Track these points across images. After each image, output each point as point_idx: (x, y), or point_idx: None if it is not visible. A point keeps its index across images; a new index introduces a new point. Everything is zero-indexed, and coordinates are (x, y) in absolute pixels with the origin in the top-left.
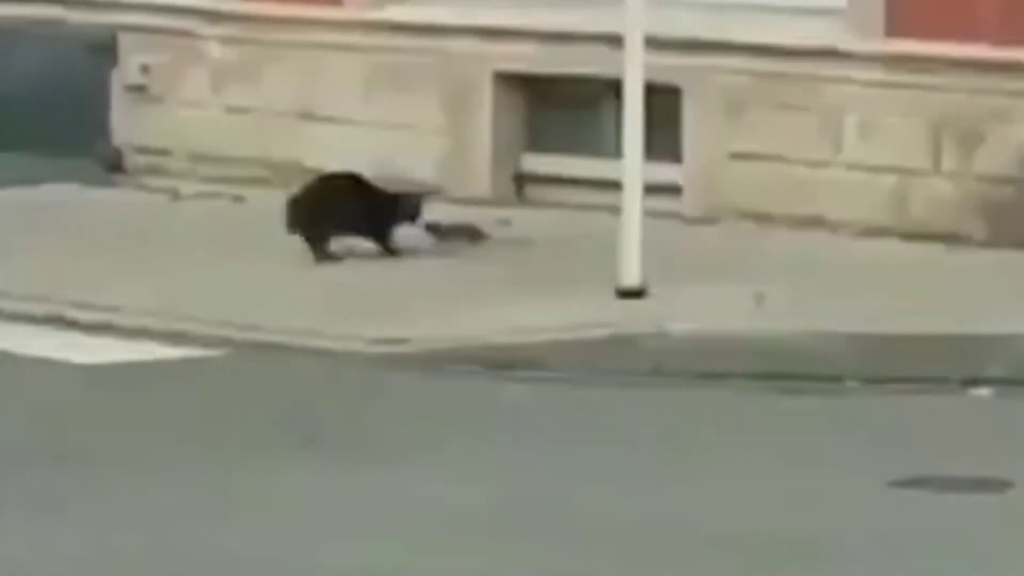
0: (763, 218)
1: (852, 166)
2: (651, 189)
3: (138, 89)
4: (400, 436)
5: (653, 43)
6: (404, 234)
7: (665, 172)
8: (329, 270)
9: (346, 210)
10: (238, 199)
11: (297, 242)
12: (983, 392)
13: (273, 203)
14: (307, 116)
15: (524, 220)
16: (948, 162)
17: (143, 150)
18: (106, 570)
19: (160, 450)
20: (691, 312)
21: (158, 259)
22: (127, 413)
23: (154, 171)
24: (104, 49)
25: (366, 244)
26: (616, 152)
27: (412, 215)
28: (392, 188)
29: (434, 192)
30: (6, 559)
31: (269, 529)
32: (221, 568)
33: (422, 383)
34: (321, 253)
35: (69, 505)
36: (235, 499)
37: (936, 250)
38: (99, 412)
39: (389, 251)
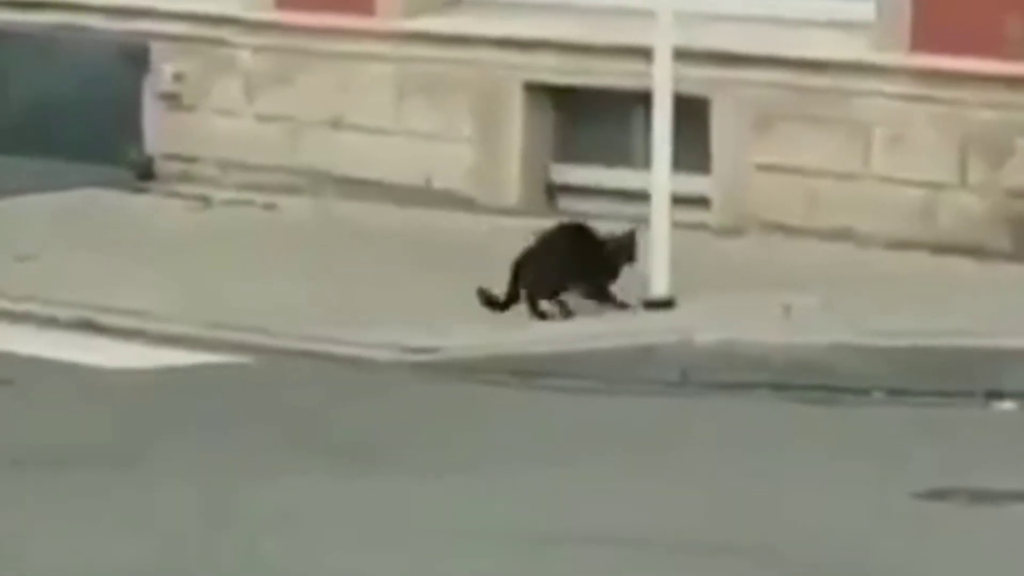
0: (791, 230)
1: (880, 179)
2: (679, 200)
3: (171, 97)
4: (428, 446)
5: (682, 55)
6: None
7: (693, 184)
8: (361, 279)
9: (572, 263)
10: (269, 207)
11: (326, 249)
12: (1007, 405)
13: (304, 211)
14: (338, 125)
15: None
16: (975, 176)
17: (174, 157)
18: (120, 573)
19: (187, 455)
20: (718, 323)
21: (188, 265)
22: (155, 418)
23: (185, 178)
24: (137, 57)
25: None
26: (645, 163)
27: (631, 256)
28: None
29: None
30: (22, 559)
31: (296, 537)
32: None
33: (453, 392)
34: (536, 310)
35: (88, 507)
36: (261, 506)
37: (962, 263)
38: (126, 416)
39: (613, 302)
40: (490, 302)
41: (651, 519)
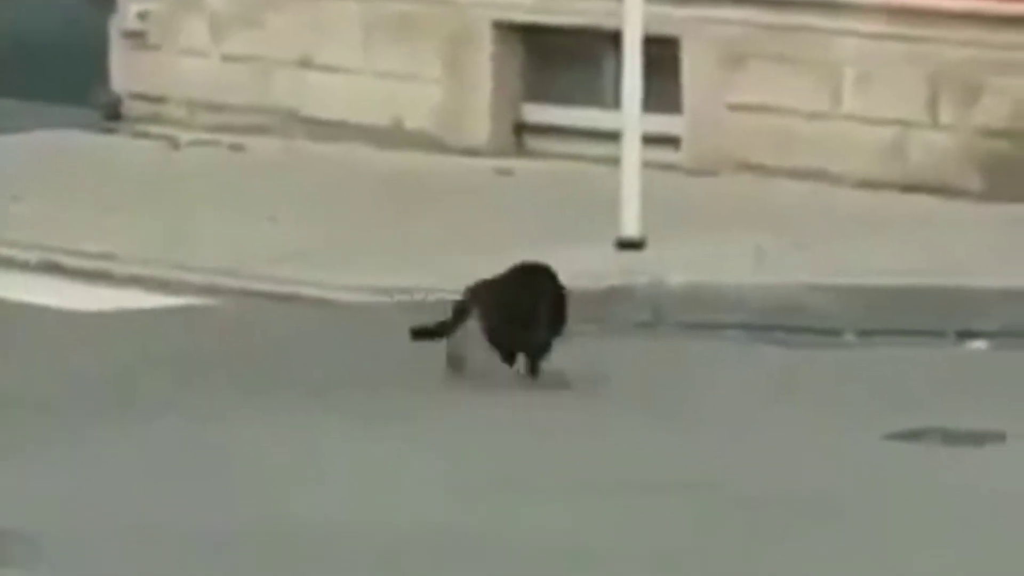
0: (762, 170)
1: (851, 118)
2: (650, 140)
3: (136, 36)
4: (400, 387)
5: None
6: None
7: (664, 123)
8: (329, 220)
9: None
10: (237, 148)
11: (295, 190)
12: (979, 345)
13: (272, 152)
14: (307, 65)
15: (524, 171)
16: (946, 115)
17: (141, 97)
18: (90, 516)
19: (154, 397)
20: (690, 263)
21: (155, 207)
22: (121, 360)
23: (152, 119)
24: None
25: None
26: (615, 103)
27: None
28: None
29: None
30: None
31: (269, 478)
32: (215, 517)
33: None
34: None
35: (56, 449)
36: (231, 448)
37: (933, 203)
38: (92, 359)
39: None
40: (422, 333)
41: (618, 459)
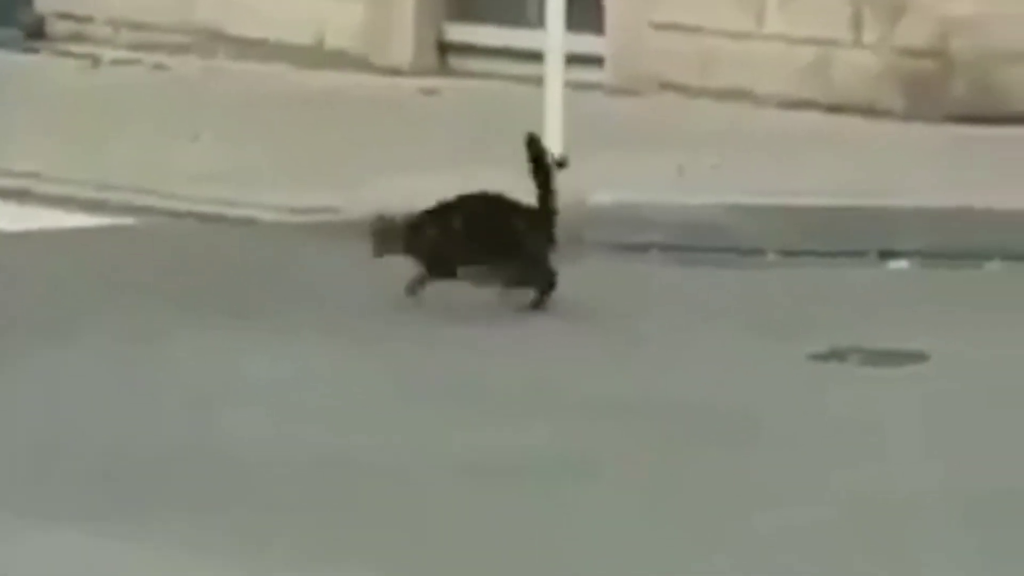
0: (685, 89)
1: (774, 38)
2: (573, 60)
3: None
4: (318, 305)
5: None
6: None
7: (587, 43)
8: (252, 139)
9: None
10: (160, 67)
11: (217, 109)
12: (901, 264)
13: (195, 71)
14: None
15: (448, 90)
16: (869, 34)
17: (65, 16)
18: (14, 438)
19: (78, 318)
20: (612, 183)
21: (77, 126)
22: (44, 281)
23: (76, 38)
24: None
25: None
26: (539, 22)
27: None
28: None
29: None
30: None
31: (193, 398)
32: (142, 436)
33: (346, 254)
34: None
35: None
36: (157, 368)
37: (856, 122)
38: (14, 279)
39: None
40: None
41: (540, 378)
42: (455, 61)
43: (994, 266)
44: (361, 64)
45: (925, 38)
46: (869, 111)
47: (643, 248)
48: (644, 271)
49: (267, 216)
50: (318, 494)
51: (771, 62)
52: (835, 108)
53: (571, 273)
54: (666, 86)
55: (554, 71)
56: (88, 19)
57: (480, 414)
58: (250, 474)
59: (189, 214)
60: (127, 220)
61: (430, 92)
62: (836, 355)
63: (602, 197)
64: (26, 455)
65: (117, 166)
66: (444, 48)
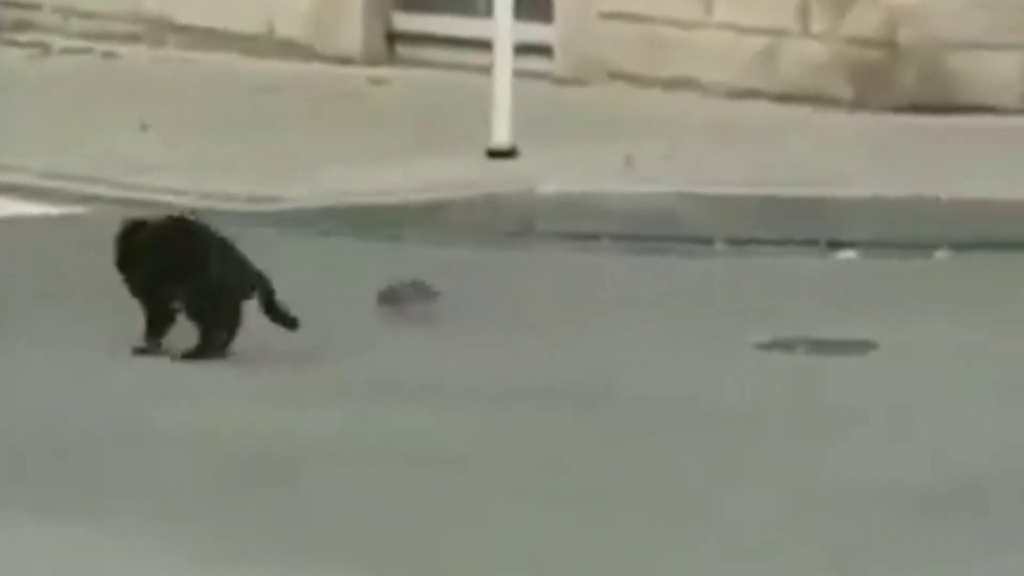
0: (634, 79)
1: (722, 27)
2: (521, 49)
3: None
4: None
5: None
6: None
7: (536, 32)
8: (200, 129)
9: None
10: (109, 55)
11: (166, 98)
12: (849, 254)
13: (144, 60)
14: None
15: (397, 79)
16: (817, 23)
17: (13, 4)
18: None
19: (25, 307)
20: (560, 173)
21: (24, 114)
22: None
23: (25, 26)
24: None
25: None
26: (487, 11)
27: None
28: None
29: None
30: None
31: (133, 387)
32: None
33: (292, 243)
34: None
35: None
36: (103, 355)
37: (804, 112)
38: None
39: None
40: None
41: (487, 368)
42: (404, 50)
43: (942, 255)
44: (310, 53)
45: (873, 28)
46: (817, 100)
47: (592, 237)
48: (593, 260)
49: (214, 205)
50: (243, 484)
51: (720, 51)
52: (783, 97)
53: (520, 262)
54: (615, 75)
55: (503, 60)
56: (36, 7)
57: (418, 404)
58: (182, 462)
59: (138, 203)
60: (76, 209)
61: (379, 81)
62: (784, 345)
63: (551, 186)
64: None
65: (66, 155)
66: (393, 37)
